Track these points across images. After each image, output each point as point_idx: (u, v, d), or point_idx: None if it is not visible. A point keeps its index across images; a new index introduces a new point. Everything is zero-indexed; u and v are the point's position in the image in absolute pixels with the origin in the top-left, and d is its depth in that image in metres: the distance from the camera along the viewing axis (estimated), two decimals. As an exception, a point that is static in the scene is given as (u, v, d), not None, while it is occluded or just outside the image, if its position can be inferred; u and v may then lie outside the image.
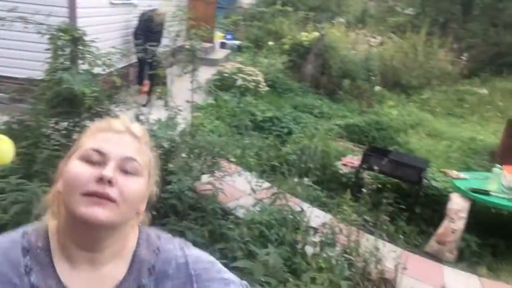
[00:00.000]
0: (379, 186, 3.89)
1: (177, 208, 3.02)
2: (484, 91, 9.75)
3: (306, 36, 9.45)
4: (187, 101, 4.26)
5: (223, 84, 7.59)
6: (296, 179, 3.80)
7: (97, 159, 0.79)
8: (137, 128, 0.86)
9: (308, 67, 8.98)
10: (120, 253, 0.84)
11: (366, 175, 4.43)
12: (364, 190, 3.23)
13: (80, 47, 3.29)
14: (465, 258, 3.95)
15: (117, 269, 0.82)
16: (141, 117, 3.73)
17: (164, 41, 5.95)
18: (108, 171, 0.77)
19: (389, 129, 6.73)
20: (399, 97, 9.12)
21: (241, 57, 10.29)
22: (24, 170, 3.13)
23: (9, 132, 3.39)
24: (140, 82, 6.77)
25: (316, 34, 9.50)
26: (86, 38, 3.45)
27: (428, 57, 10.41)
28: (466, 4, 13.66)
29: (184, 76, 4.34)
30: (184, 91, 4.38)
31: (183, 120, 3.99)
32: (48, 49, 3.33)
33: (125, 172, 0.80)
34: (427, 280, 3.47)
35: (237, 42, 12.00)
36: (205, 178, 3.63)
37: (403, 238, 3.87)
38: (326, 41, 9.19)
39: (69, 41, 3.25)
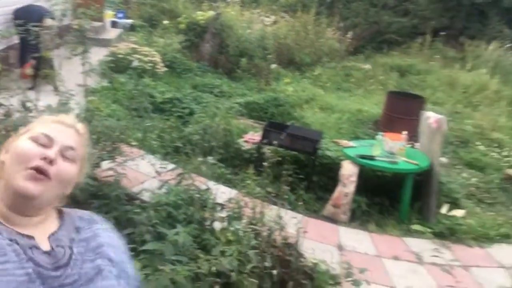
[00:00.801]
0: (279, 159, 4.10)
1: (78, 197, 2.89)
2: (367, 66, 10.65)
3: (202, 15, 9.38)
4: (79, 85, 4.03)
5: (117, 65, 7.26)
6: (200, 159, 3.84)
7: (45, 142, 0.96)
8: (81, 126, 1.06)
9: (206, 46, 8.97)
10: (49, 217, 1.00)
11: (267, 149, 4.63)
12: (265, 164, 3.40)
13: None
14: (357, 218, 4.39)
15: (51, 223, 1.00)
16: (28, 104, 3.46)
17: (49, 21, 5.48)
18: (52, 152, 0.94)
19: (286, 105, 7.07)
20: (294, 74, 9.57)
21: (135, 37, 9.88)
22: None
23: None
24: (22, 65, 6.18)
25: (212, 13, 9.47)
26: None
27: (317, 35, 11.02)
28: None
29: (74, 58, 4.07)
30: (75, 74, 4.12)
31: (77, 105, 3.78)
32: None
33: (64, 157, 0.97)
34: (325, 241, 3.81)
35: (129, 21, 11.45)
36: (106, 164, 3.51)
37: (303, 205, 4.17)
38: (222, 20, 9.23)
39: None
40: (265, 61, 9.06)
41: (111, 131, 3.25)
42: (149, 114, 4.70)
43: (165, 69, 7.75)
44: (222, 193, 3.76)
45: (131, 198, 3.41)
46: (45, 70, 3.86)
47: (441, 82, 10.19)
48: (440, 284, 3.42)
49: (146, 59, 7.53)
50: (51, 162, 0.93)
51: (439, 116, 4.86)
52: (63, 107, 3.22)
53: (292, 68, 9.91)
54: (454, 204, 4.71)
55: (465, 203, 4.87)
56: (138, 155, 4.23)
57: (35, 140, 0.95)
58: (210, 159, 3.66)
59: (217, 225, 3.24)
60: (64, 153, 0.97)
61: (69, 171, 0.97)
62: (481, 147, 6.63)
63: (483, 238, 4.22)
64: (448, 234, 4.21)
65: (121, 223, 2.96)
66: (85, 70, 3.98)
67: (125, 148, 3.80)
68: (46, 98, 3.73)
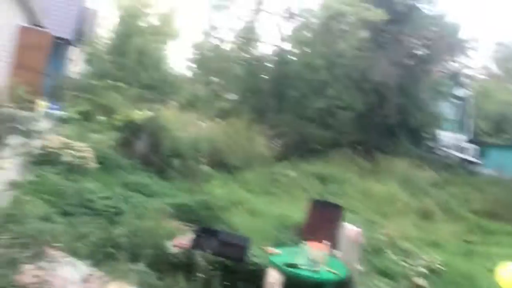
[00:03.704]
0: (210, 267, 4.18)
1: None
2: (293, 173, 11.38)
3: (139, 114, 9.72)
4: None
5: (46, 159, 7.13)
6: (128, 264, 3.83)
7: None
8: None
9: (140, 144, 9.16)
10: None
11: (199, 257, 4.68)
12: (199, 273, 3.46)
13: None
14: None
15: None
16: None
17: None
18: None
19: (215, 208, 7.25)
20: (224, 177, 9.95)
21: (68, 130, 9.85)
22: None
23: None
24: None
25: (149, 112, 9.86)
26: None
27: (248, 141, 11.76)
28: (278, 97, 16.11)
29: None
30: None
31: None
32: None
33: None
34: None
35: (63, 113, 11.45)
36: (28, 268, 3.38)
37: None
38: (158, 120, 9.62)
39: None
40: (197, 163, 9.38)
41: (40, 234, 3.21)
42: (81, 217, 4.64)
43: (96, 165, 7.72)
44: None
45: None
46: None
47: (357, 191, 11.11)
48: None
49: (77, 154, 7.50)
50: None
51: (357, 228, 5.32)
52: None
53: (223, 171, 10.31)
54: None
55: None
56: (61, 257, 4.09)
57: None
58: (141, 266, 3.67)
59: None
60: None
61: None
62: (392, 256, 7.17)
63: None
64: None
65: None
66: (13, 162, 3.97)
67: (49, 250, 3.69)
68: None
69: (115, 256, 4.05)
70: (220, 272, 4.53)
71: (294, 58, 16.92)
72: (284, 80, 15.89)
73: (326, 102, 15.04)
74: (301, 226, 7.56)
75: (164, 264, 4.87)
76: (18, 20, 9.93)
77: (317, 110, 15.11)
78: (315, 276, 4.72)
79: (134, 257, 4.49)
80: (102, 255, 4.23)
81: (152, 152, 9.20)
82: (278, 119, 14.70)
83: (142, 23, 18.22)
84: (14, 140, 6.20)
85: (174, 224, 6.21)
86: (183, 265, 4.70)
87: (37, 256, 3.35)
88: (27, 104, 7.71)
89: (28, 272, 3.23)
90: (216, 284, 3.67)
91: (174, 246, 5.12)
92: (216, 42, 18.00)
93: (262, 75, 16.82)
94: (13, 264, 3.05)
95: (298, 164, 12.54)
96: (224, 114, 13.58)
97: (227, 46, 18.01)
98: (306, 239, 5.62)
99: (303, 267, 4.78)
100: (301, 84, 15.34)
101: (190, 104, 14.36)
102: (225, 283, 4.45)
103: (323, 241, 5.31)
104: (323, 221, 7.01)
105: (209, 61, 17.03)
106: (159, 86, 15.55)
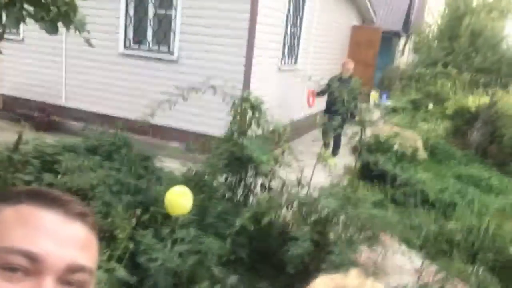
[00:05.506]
0: None
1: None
2: None
3: (473, 100, 8.77)
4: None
5: (378, 148, 7.42)
6: (465, 265, 3.41)
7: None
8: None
9: (475, 134, 8.25)
10: None
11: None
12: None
13: (257, 114, 3.61)
14: None
15: None
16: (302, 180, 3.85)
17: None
18: None
19: None
20: None
21: (397, 119, 10.00)
22: (198, 221, 3.45)
23: (186, 182, 3.81)
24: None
25: (485, 98, 8.75)
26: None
27: None
28: None
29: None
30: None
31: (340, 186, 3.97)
32: (229, 112, 3.74)
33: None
34: None
35: (392, 103, 11.74)
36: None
37: None
38: (497, 107, 8.39)
39: (248, 108, 3.61)
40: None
41: (373, 219, 3.26)
42: (410, 206, 4.55)
43: (426, 155, 7.46)
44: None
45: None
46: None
47: None
48: None
49: (406, 143, 7.45)
50: None
51: None
52: (334, 189, 3.45)
53: None
54: None
55: None
56: (393, 245, 4.09)
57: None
58: (478, 268, 3.20)
59: None
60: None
61: None
62: None
63: None
64: None
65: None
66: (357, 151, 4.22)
67: (382, 235, 3.73)
68: (316, 174, 4.08)
69: (449, 253, 3.70)
70: None
71: None
72: None
73: None
74: None
75: (508, 272, 4.14)
76: (353, 19, 10.82)
77: None
78: None
79: (471, 258, 4.01)
80: (435, 249, 3.97)
81: (489, 143, 8.12)
82: None
83: (474, 2, 16.49)
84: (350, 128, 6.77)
85: (521, 227, 5.21)
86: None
87: (371, 240, 3.43)
88: (363, 96, 8.28)
89: (364, 254, 3.35)
90: None
91: (522, 253, 4.27)
92: None
93: None
94: (350, 243, 3.22)
95: None
96: None
97: None
98: None
99: None
100: None
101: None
102: None
103: None
104: None
105: None
106: (496, 69, 13.64)
